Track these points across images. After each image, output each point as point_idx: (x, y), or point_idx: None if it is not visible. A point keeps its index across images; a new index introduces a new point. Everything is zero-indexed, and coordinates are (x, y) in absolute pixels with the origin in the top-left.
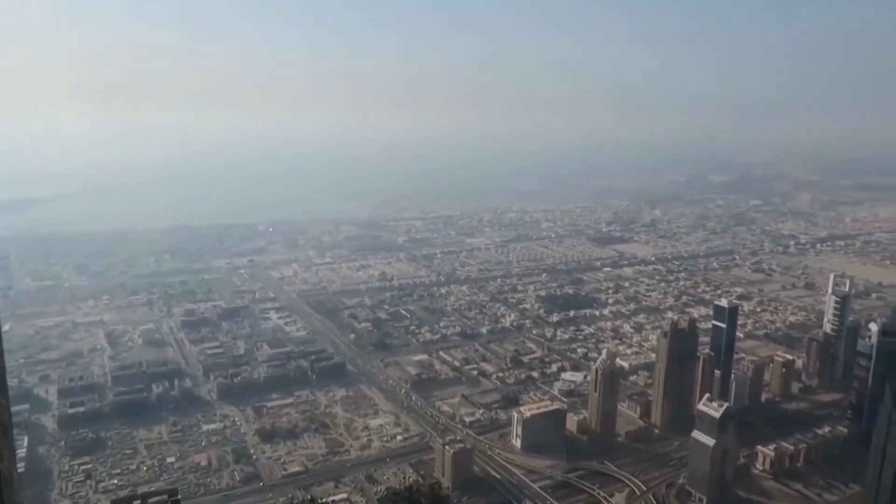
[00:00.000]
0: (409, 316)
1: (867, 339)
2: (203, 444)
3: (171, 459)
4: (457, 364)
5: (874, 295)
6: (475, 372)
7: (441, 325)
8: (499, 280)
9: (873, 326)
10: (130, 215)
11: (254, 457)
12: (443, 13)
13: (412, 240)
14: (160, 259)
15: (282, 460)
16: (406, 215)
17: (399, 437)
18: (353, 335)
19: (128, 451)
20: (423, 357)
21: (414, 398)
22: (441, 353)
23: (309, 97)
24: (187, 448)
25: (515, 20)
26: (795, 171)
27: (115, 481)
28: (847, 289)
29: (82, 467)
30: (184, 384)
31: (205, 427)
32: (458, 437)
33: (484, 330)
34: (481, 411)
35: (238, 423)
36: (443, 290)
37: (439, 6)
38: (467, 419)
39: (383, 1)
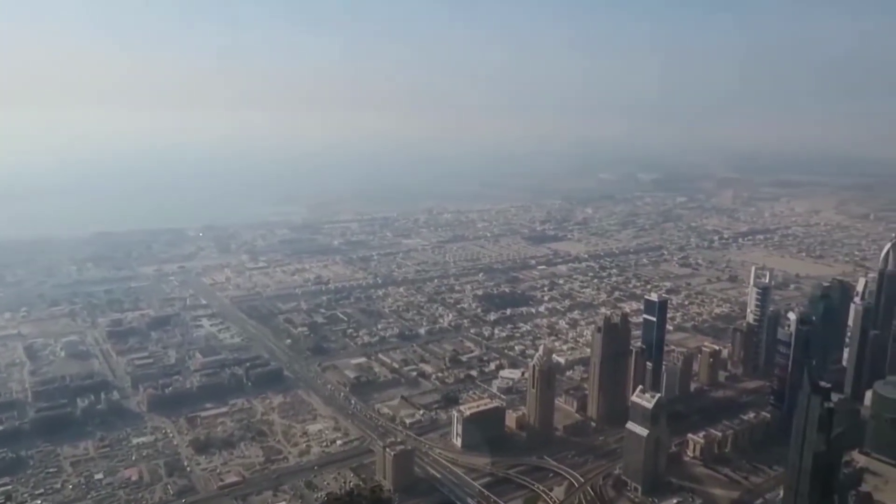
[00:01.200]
0: (346, 319)
1: (786, 328)
2: (133, 458)
3: (98, 476)
4: (396, 366)
5: (792, 286)
6: (414, 373)
7: (379, 327)
8: (436, 280)
9: (792, 316)
10: (47, 222)
11: (188, 469)
12: (377, 17)
13: (348, 242)
14: (82, 268)
15: (217, 471)
16: (342, 218)
17: (339, 442)
18: (289, 340)
19: (51, 470)
20: (362, 360)
21: (353, 402)
22: (380, 355)
23: (240, 99)
24: (116, 463)
25: (450, 24)
26: (718, 170)
27: (38, 502)
28: (767, 281)
29: (2, 489)
30: (111, 397)
31: (135, 440)
32: (399, 439)
33: (422, 331)
34: (421, 412)
35: (170, 435)
36: (380, 292)
37: (374, 9)
38: (407, 420)
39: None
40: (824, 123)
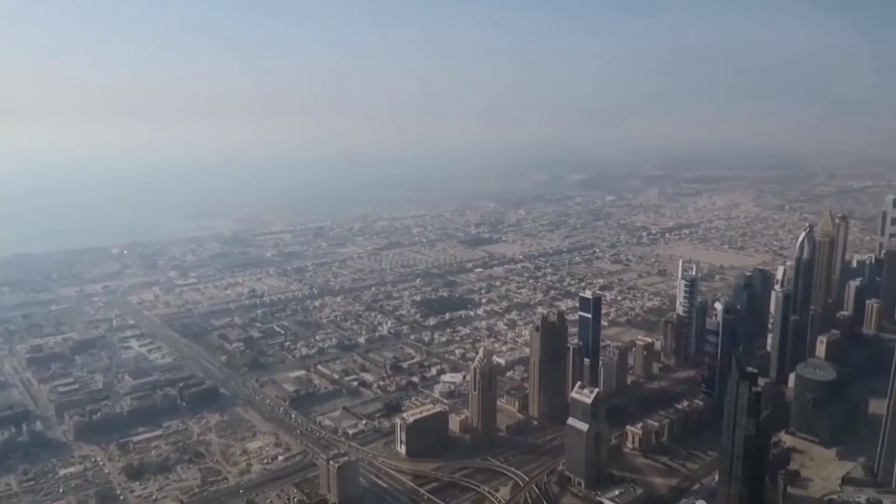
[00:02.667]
0: (283, 332)
1: (714, 318)
2: (61, 490)
3: None
4: (336, 376)
5: (717, 277)
6: (355, 383)
7: (317, 338)
8: (373, 288)
9: (718, 306)
10: None
11: (121, 497)
12: (289, 22)
13: (282, 253)
14: None
15: (153, 497)
16: (274, 229)
17: (280, 458)
18: (224, 357)
19: None
20: (301, 373)
21: (293, 416)
22: (319, 366)
23: (158, 110)
24: (42, 497)
25: (370, 29)
26: (644, 168)
27: None
28: (694, 273)
29: None
30: (34, 427)
31: (62, 471)
32: (342, 451)
33: (362, 339)
34: (364, 422)
35: (101, 463)
36: (317, 303)
37: (296, 12)
38: (350, 431)
39: (226, 7)
40: (741, 120)
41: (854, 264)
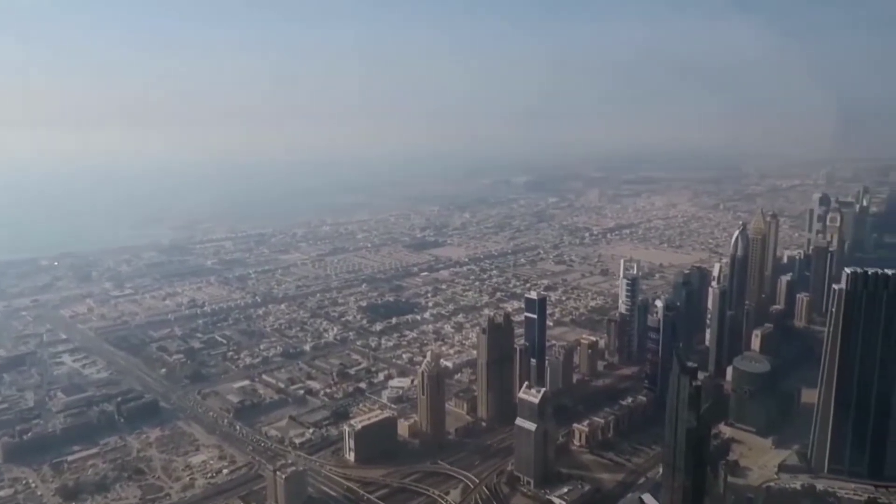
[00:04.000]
0: (225, 342)
1: (655, 315)
2: None
3: None
4: (281, 385)
5: (657, 275)
6: (302, 391)
7: (261, 347)
8: (318, 295)
9: (658, 303)
10: None
11: None
12: (227, 28)
13: (223, 261)
14: None
15: None
16: (214, 236)
17: (225, 471)
18: (164, 369)
19: None
20: (245, 383)
21: (238, 427)
22: (264, 376)
23: (88, 116)
24: None
25: (312, 32)
26: (585, 170)
27: None
28: (635, 272)
29: None
30: None
31: None
32: (289, 461)
33: (307, 347)
34: (311, 430)
35: (33, 486)
36: (260, 311)
37: (223, 19)
38: (297, 441)
39: (163, 11)
40: (675, 122)
41: (785, 260)
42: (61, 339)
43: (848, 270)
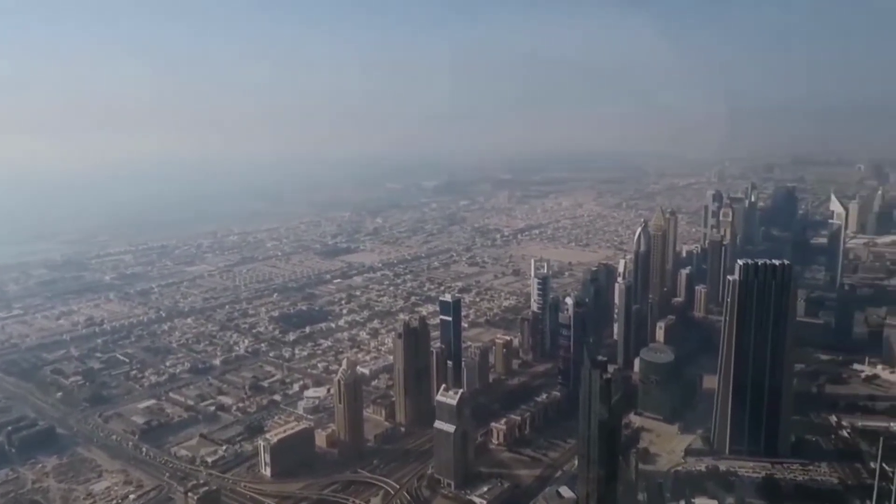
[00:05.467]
0: (128, 360)
1: (565, 312)
2: None
3: None
4: (191, 403)
5: (566, 273)
6: (213, 407)
7: (167, 363)
8: (227, 307)
9: (569, 301)
10: None
11: None
12: (112, 31)
13: (122, 276)
14: None
15: None
16: (112, 250)
17: (132, 496)
18: (60, 393)
19: None
20: (151, 402)
21: (145, 449)
22: (171, 394)
23: None
24: None
25: (207, 38)
26: (494, 172)
27: None
28: (545, 271)
29: None
30: None
31: None
32: (201, 481)
33: (217, 361)
34: (224, 447)
35: None
36: (165, 327)
37: (107, 24)
38: (209, 459)
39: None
40: (577, 123)
41: (684, 255)
42: None
43: (740, 262)
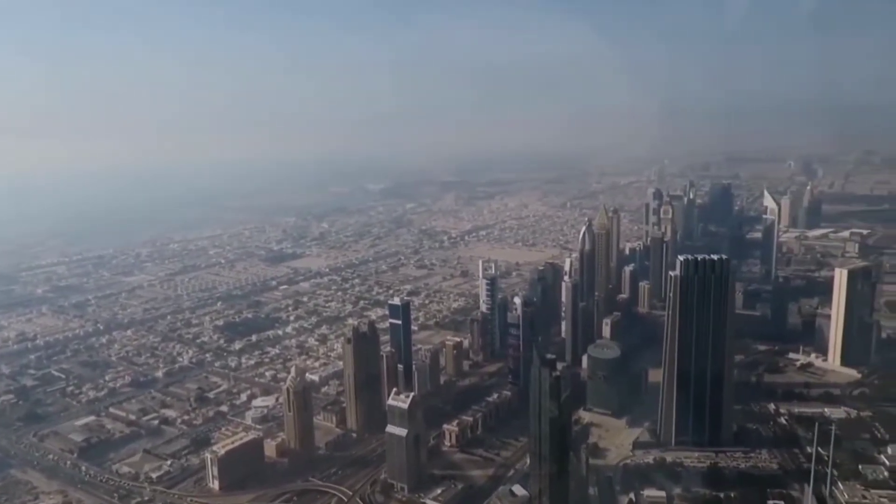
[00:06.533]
0: (64, 376)
1: (514, 312)
2: None
3: None
4: (132, 418)
5: (514, 273)
6: (156, 421)
7: (107, 378)
8: (169, 317)
9: (517, 300)
10: None
11: None
12: (73, 38)
13: (56, 288)
14: None
15: None
16: (44, 262)
17: None
18: None
19: None
20: (90, 419)
21: (84, 468)
22: (112, 409)
23: None
24: None
25: (144, 40)
26: (440, 175)
27: None
28: (493, 272)
29: None
30: None
31: None
32: (146, 498)
33: (160, 373)
34: (169, 462)
35: None
36: (103, 340)
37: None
38: (154, 475)
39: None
40: (522, 125)
41: (627, 252)
42: None
43: (681, 258)
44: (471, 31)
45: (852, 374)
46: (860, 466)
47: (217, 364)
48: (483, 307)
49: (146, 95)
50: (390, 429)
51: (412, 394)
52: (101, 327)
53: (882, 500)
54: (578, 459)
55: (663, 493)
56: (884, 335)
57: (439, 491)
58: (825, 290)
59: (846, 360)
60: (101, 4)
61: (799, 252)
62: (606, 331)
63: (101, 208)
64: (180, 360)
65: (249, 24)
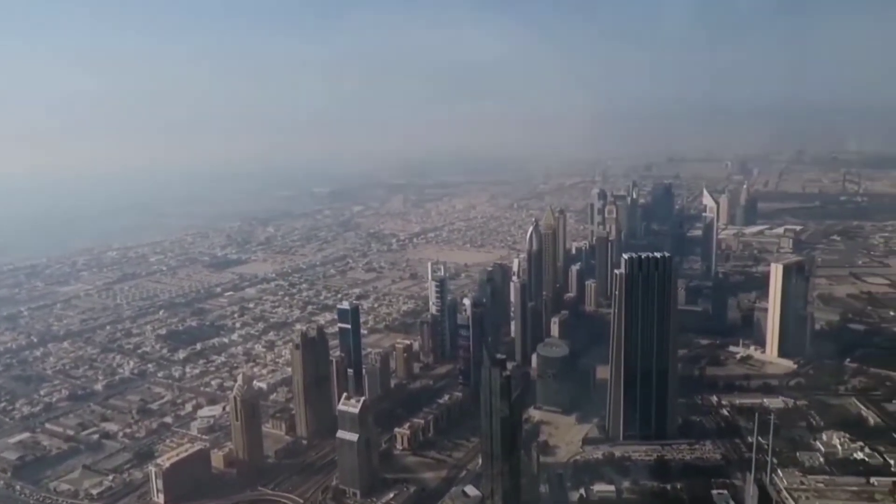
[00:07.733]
0: None
1: (464, 313)
2: None
3: None
4: (70, 433)
5: (463, 275)
6: (96, 435)
7: (42, 392)
8: (108, 327)
9: (466, 301)
10: None
11: None
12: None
13: None
14: None
15: None
16: None
17: None
18: None
19: None
20: (24, 436)
21: (19, 487)
22: (48, 424)
23: None
24: None
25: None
26: (387, 177)
27: None
28: (442, 273)
29: None
30: None
31: None
32: None
33: (99, 386)
34: (111, 477)
35: None
36: (37, 353)
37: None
38: (94, 491)
39: None
40: (468, 126)
41: (573, 251)
42: None
43: (625, 256)
44: (408, 32)
45: (789, 364)
46: (798, 453)
47: (160, 374)
48: (433, 309)
49: (57, 101)
50: (341, 434)
51: (363, 398)
52: (35, 340)
53: (819, 485)
54: (529, 458)
55: (612, 487)
56: (817, 327)
57: (392, 495)
58: (762, 284)
59: (783, 352)
60: None
61: (737, 248)
62: (555, 329)
63: (29, 216)
64: (121, 371)
65: (179, 26)
